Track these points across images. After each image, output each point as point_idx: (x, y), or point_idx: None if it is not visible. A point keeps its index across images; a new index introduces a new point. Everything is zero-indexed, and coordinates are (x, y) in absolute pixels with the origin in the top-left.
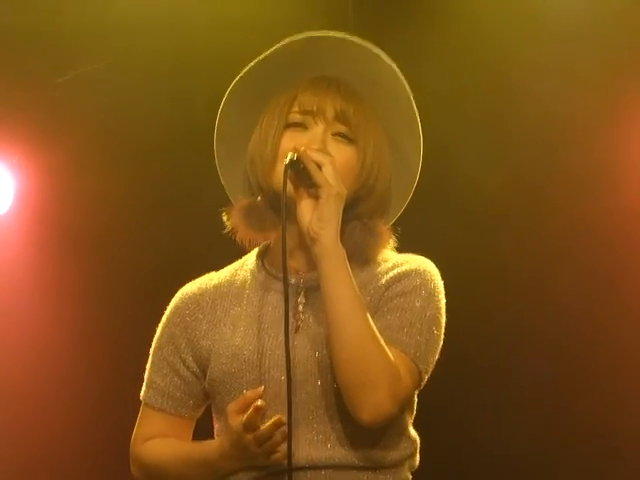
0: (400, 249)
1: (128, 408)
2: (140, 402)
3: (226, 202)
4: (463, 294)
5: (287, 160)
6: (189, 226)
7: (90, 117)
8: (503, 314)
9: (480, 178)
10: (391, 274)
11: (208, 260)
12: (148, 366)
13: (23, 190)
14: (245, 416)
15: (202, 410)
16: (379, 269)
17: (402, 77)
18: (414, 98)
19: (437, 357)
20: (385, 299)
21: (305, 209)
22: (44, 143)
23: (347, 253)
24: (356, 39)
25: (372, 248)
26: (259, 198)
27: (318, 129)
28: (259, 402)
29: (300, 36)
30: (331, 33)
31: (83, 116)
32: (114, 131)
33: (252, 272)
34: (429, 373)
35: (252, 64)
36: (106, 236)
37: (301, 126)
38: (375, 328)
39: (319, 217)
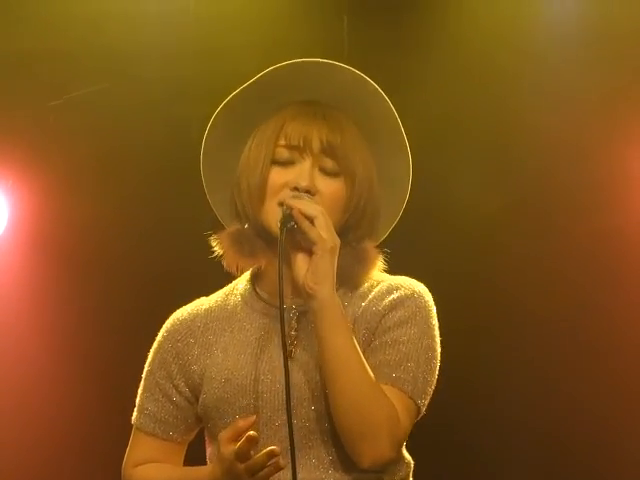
0: (398, 271)
1: (123, 427)
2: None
3: (219, 224)
4: (461, 317)
5: (279, 221)
6: (182, 248)
7: (84, 140)
8: (502, 337)
9: (479, 200)
10: (386, 301)
11: (201, 281)
12: (140, 390)
13: (18, 213)
14: (237, 445)
15: (194, 434)
16: (373, 293)
17: (387, 98)
18: (412, 121)
19: (434, 386)
20: (381, 330)
21: (300, 263)
22: (39, 166)
23: (337, 278)
24: (340, 64)
25: (361, 274)
26: (246, 226)
27: (305, 164)
28: (251, 433)
29: (284, 63)
30: (315, 59)
31: (77, 139)
32: (108, 154)
33: (243, 297)
34: (426, 404)
35: (237, 91)
36: (101, 258)
37: (288, 161)
38: (373, 377)
39: (314, 272)
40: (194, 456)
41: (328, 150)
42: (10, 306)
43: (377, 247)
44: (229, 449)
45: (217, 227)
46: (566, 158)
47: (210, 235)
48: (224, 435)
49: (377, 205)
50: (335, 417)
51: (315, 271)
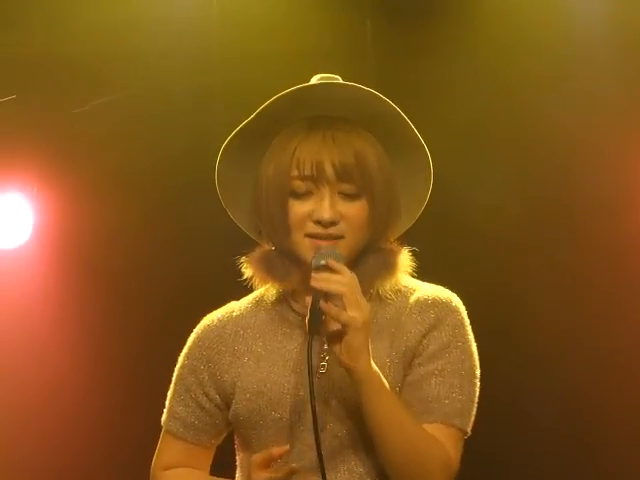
0: (420, 278)
1: (147, 433)
2: (160, 427)
3: (243, 232)
4: (482, 321)
5: (307, 321)
6: (208, 255)
7: (108, 148)
8: (523, 342)
9: (500, 205)
10: (426, 318)
11: (226, 288)
12: (170, 393)
13: (42, 220)
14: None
15: (222, 438)
16: (411, 306)
17: (392, 103)
18: (433, 125)
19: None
20: (425, 355)
21: (334, 339)
22: (63, 173)
23: (367, 282)
24: (353, 84)
25: (390, 274)
26: (273, 248)
27: (323, 194)
28: (293, 465)
29: (283, 93)
30: (315, 83)
31: (102, 147)
32: (133, 162)
33: (274, 306)
34: (472, 424)
35: (244, 123)
36: (125, 265)
37: (305, 191)
38: (419, 429)
39: (348, 351)
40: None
41: (343, 174)
42: (34, 314)
43: (403, 246)
44: (261, 476)
45: (240, 235)
46: (589, 162)
47: (237, 241)
48: (256, 460)
49: (399, 210)
50: (389, 472)
51: (349, 350)
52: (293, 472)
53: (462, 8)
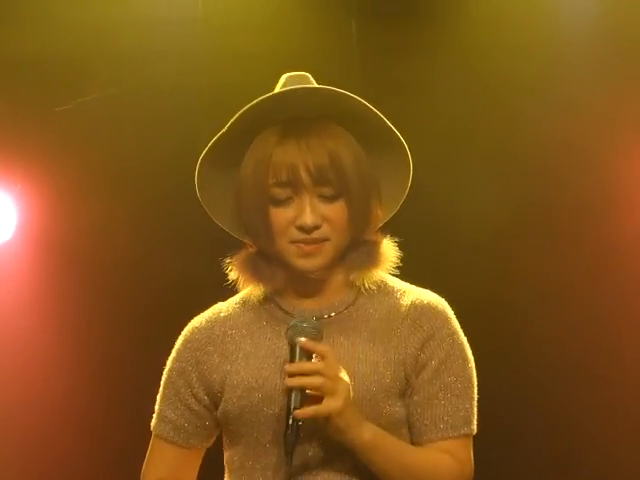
0: (406, 282)
1: (131, 436)
2: (146, 428)
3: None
4: (470, 328)
5: (285, 432)
6: (195, 255)
7: (93, 145)
8: (511, 348)
9: (487, 211)
10: (420, 325)
11: (213, 287)
12: (159, 397)
13: (26, 217)
14: None
15: (213, 439)
16: (404, 309)
17: (361, 99)
18: (418, 127)
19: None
20: (426, 375)
21: (322, 414)
22: (47, 171)
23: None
24: (317, 86)
25: (375, 264)
26: (256, 250)
27: (303, 199)
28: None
29: (258, 99)
30: (285, 89)
31: (86, 144)
32: (118, 160)
33: (262, 305)
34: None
35: (218, 135)
36: (110, 264)
37: (284, 198)
38: (425, 461)
39: (337, 431)
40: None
41: (318, 178)
42: (17, 311)
43: (384, 235)
44: None
45: (228, 235)
46: (577, 167)
47: (224, 241)
48: None
49: (377, 207)
50: None
51: (337, 429)
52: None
53: (447, 9)
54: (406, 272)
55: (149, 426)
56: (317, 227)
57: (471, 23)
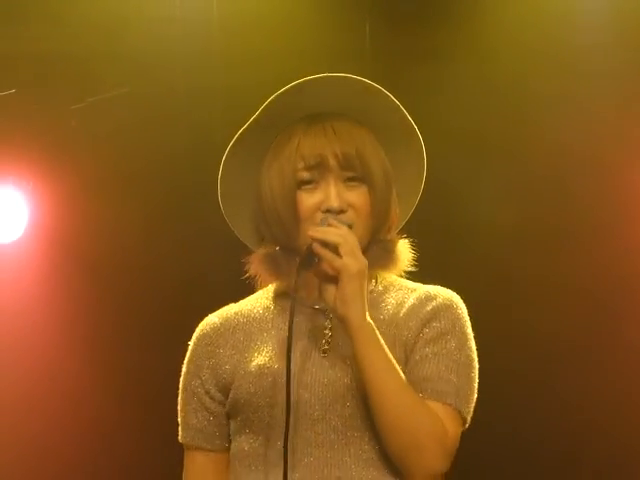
0: (415, 281)
1: (140, 433)
2: (158, 430)
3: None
4: (477, 330)
5: (299, 261)
6: (206, 256)
7: (105, 144)
8: (517, 353)
9: (496, 214)
10: (426, 310)
11: (225, 287)
12: (180, 406)
13: (37, 216)
14: None
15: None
16: (412, 300)
17: (387, 92)
18: (430, 130)
19: (476, 395)
20: (422, 342)
21: (328, 290)
22: (60, 169)
23: (370, 272)
24: (343, 75)
25: (391, 263)
26: (277, 248)
27: (329, 182)
28: None
29: (287, 87)
30: (316, 76)
31: (98, 143)
32: (130, 159)
33: (275, 299)
34: (471, 412)
35: (247, 124)
36: (121, 263)
37: (311, 183)
38: (413, 392)
39: (342, 299)
40: None
41: (346, 164)
42: (28, 309)
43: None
44: None
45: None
46: (586, 172)
47: (235, 241)
48: None
49: (396, 203)
50: (382, 434)
51: (343, 298)
52: None
53: (461, 12)
54: (416, 271)
55: (159, 427)
56: (343, 211)
57: (485, 26)
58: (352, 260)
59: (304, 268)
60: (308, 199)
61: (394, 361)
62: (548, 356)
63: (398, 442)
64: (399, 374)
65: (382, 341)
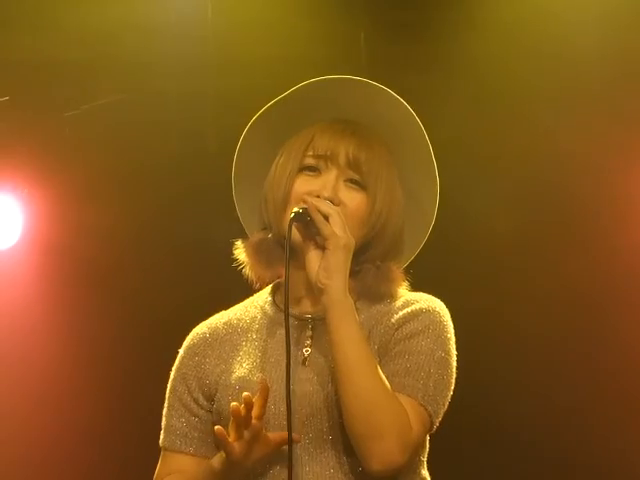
0: (411, 290)
1: (135, 442)
2: (152, 440)
3: (237, 237)
4: (473, 334)
5: (293, 212)
6: (201, 259)
7: (101, 151)
8: (514, 356)
9: (494, 219)
10: (401, 313)
11: (220, 292)
12: (164, 411)
13: (32, 222)
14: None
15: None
16: (390, 307)
17: (420, 123)
18: (428, 139)
19: (449, 398)
20: (394, 341)
21: (313, 259)
22: (54, 176)
23: (358, 293)
24: (375, 83)
25: (384, 291)
26: (270, 235)
27: (330, 175)
28: (246, 393)
29: (320, 78)
30: (349, 76)
31: (94, 150)
32: (124, 165)
33: (262, 308)
34: (440, 415)
35: (271, 103)
36: (115, 268)
37: (314, 170)
38: (384, 377)
39: (326, 268)
40: None
41: (353, 165)
42: (23, 315)
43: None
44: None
45: (236, 239)
46: (585, 179)
47: (228, 246)
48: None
49: (399, 225)
50: (345, 416)
51: (327, 267)
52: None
53: (456, 21)
54: (409, 277)
55: (155, 427)
56: (333, 203)
57: (481, 35)
58: (341, 232)
59: (296, 221)
60: (304, 184)
61: (368, 343)
62: (545, 359)
63: (360, 425)
64: (371, 356)
65: (358, 320)
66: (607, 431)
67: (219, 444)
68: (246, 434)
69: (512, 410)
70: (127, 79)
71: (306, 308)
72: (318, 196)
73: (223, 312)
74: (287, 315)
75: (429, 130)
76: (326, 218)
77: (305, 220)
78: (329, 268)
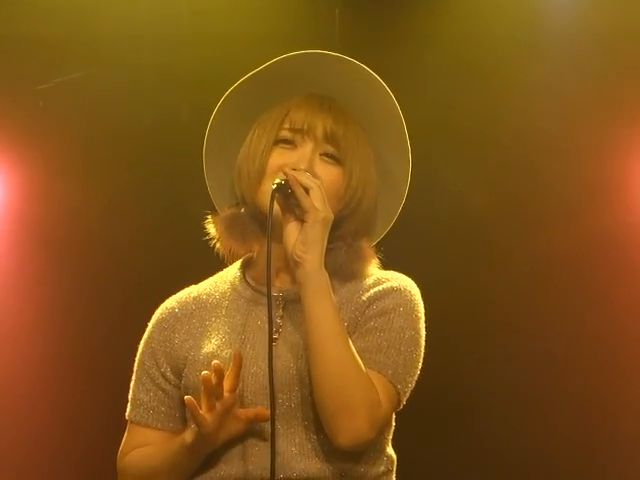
0: (385, 268)
1: (108, 419)
2: (121, 417)
3: (210, 211)
4: (447, 312)
5: (275, 184)
6: (173, 234)
7: (74, 125)
8: (488, 332)
9: (467, 196)
10: (372, 291)
11: (192, 268)
12: (132, 384)
13: (6, 197)
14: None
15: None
16: (361, 285)
17: (395, 101)
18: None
19: (416, 377)
20: (365, 318)
21: (291, 232)
22: (26, 150)
23: (330, 272)
24: (351, 59)
25: (355, 269)
26: (243, 210)
27: (306, 148)
28: (215, 362)
29: (295, 53)
30: (324, 51)
31: (67, 124)
32: (99, 139)
33: (232, 284)
34: (408, 393)
35: (245, 77)
36: (90, 243)
37: (290, 143)
38: (356, 353)
39: (303, 241)
40: None
41: (330, 139)
42: None
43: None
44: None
45: (210, 213)
46: (558, 157)
47: (203, 220)
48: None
49: (373, 202)
50: (315, 390)
51: (304, 240)
52: (220, 371)
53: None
54: (384, 258)
55: (123, 401)
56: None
57: (454, 13)
58: (321, 206)
59: (278, 192)
60: (280, 157)
61: (340, 317)
62: (521, 335)
63: (330, 400)
64: (344, 331)
65: (332, 295)
66: (578, 411)
67: (190, 415)
68: (218, 406)
69: (482, 389)
70: (99, 53)
71: (280, 284)
72: (294, 169)
73: (192, 287)
74: (269, 290)
75: (403, 107)
76: (307, 191)
77: (286, 192)
78: (306, 242)
